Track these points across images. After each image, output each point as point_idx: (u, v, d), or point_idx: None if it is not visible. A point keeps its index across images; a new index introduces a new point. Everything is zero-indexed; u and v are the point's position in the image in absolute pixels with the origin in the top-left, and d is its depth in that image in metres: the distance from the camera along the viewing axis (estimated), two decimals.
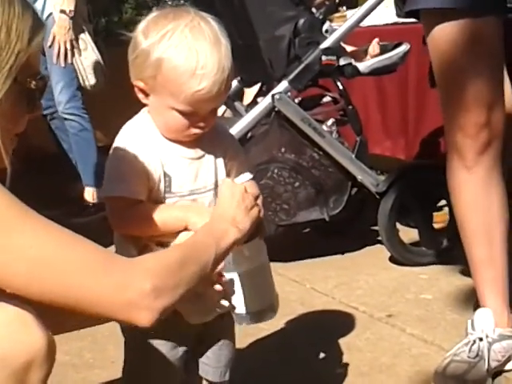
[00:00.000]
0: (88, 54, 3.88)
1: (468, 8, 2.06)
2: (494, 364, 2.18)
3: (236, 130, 3.12)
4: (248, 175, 1.70)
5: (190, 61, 1.49)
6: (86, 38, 3.91)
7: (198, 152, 1.62)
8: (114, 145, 1.60)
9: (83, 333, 1.73)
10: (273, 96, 3.14)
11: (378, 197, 3.18)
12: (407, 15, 2.31)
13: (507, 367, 2.23)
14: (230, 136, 1.78)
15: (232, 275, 1.56)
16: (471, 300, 2.35)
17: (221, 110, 3.48)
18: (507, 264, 2.22)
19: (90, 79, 3.92)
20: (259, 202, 1.59)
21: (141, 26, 1.55)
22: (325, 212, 3.19)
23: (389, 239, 3.17)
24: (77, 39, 3.88)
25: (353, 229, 3.50)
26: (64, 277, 1.20)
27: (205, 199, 1.62)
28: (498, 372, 2.21)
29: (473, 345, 2.18)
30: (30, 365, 1.18)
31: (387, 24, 4.19)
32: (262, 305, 1.62)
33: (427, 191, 3.16)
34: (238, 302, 1.59)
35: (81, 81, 3.94)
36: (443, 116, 2.23)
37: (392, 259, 3.20)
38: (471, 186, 2.19)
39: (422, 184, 3.16)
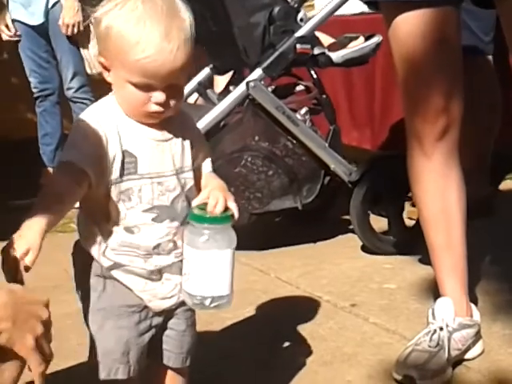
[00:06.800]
0: (95, 43, 3.86)
1: None
2: (454, 353, 2.20)
3: (210, 117, 3.11)
4: (210, 166, 1.71)
5: (136, 29, 1.49)
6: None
7: (166, 134, 1.61)
8: (75, 121, 1.61)
9: None
10: (247, 83, 3.14)
11: (350, 186, 3.19)
12: (367, 6, 2.33)
13: (467, 356, 2.25)
14: (195, 125, 1.78)
15: (196, 253, 1.54)
16: (435, 289, 2.35)
17: (193, 97, 3.48)
18: (466, 251, 2.24)
19: (97, 67, 3.92)
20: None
21: None
22: (298, 200, 3.20)
23: (360, 228, 3.18)
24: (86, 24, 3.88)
25: (325, 217, 3.49)
26: None
27: (170, 183, 1.61)
28: (458, 361, 2.22)
29: (433, 334, 2.19)
30: None
31: (355, 14, 4.19)
32: (221, 291, 1.60)
33: (399, 181, 3.14)
34: (197, 282, 1.56)
35: (87, 69, 4.01)
36: (403, 104, 2.25)
37: (364, 248, 3.21)
38: (430, 173, 2.21)
39: (394, 174, 3.16)
